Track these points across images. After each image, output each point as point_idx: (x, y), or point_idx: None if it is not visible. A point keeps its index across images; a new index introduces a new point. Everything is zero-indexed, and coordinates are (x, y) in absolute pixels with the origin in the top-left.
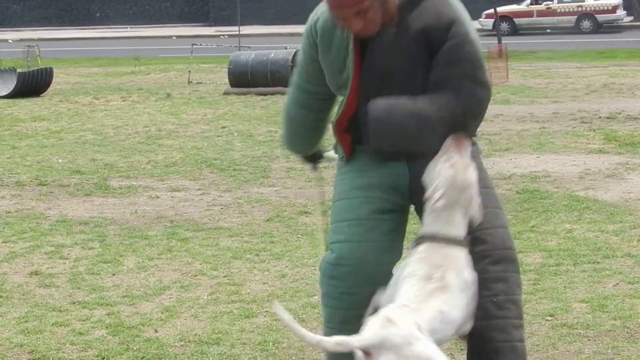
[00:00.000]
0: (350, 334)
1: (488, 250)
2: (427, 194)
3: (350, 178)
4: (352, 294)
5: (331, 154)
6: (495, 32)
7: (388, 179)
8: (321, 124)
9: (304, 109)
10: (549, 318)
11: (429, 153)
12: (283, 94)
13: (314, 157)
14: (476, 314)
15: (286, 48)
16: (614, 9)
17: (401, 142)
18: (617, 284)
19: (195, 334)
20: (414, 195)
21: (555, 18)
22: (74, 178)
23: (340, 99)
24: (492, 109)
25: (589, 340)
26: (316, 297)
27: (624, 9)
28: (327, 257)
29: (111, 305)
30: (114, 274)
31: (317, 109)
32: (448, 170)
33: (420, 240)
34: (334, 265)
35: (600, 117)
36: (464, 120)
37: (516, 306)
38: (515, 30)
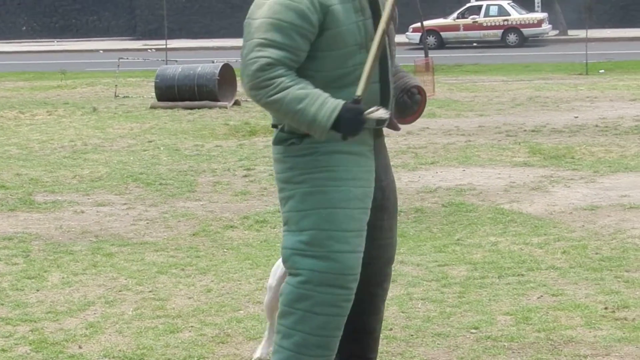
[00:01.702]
0: (337, 344)
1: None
2: None
3: (348, 174)
4: (350, 300)
5: (378, 113)
6: (422, 45)
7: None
8: None
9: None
10: (474, 331)
11: None
12: (210, 107)
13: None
14: (369, 309)
15: (213, 62)
16: (539, 23)
17: None
18: (541, 296)
19: (120, 350)
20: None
21: (482, 32)
22: None
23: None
24: (418, 122)
25: (513, 352)
26: (242, 311)
27: (549, 23)
28: (324, 266)
29: (35, 321)
30: (38, 290)
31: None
32: None
33: None
34: (339, 275)
35: (525, 131)
36: None
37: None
38: (442, 44)
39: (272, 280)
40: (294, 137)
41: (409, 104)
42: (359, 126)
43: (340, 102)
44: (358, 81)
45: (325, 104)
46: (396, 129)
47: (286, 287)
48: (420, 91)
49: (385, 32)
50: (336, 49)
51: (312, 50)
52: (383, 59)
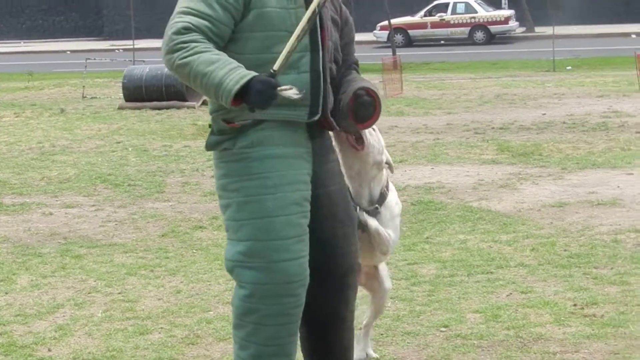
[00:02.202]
0: (294, 347)
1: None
2: (383, 158)
3: (283, 180)
4: (300, 305)
5: (290, 92)
6: (389, 43)
7: (308, 168)
8: None
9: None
10: (444, 329)
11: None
12: (178, 107)
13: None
14: (333, 318)
15: None
16: (506, 20)
17: None
18: (511, 293)
19: (89, 352)
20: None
21: (449, 29)
22: None
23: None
24: (386, 121)
25: (482, 350)
26: (211, 312)
27: (516, 20)
28: (265, 278)
29: (3, 325)
30: (6, 293)
31: None
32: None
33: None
34: (283, 285)
35: (493, 128)
36: None
37: None
38: (409, 42)
39: None
40: (224, 140)
41: (360, 109)
42: (269, 100)
43: (252, 72)
44: (287, 70)
45: (236, 70)
46: (332, 128)
47: (234, 299)
48: (369, 92)
49: (315, 15)
50: (260, 30)
51: (237, 31)
52: (314, 51)
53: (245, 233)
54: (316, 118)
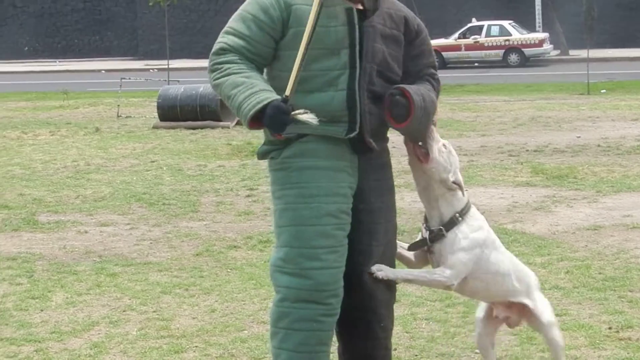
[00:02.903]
0: (326, 355)
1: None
2: (449, 177)
3: (320, 191)
4: (332, 315)
5: (305, 116)
6: None
7: (351, 182)
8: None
9: (254, 71)
10: (478, 351)
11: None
12: (212, 127)
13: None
14: (365, 335)
15: None
16: (540, 43)
17: (424, 129)
18: None
19: None
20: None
21: (483, 52)
22: (1, 213)
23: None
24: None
25: None
26: (246, 331)
27: (551, 43)
28: (297, 283)
29: (39, 342)
30: (42, 310)
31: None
32: (455, 155)
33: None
34: (313, 292)
35: (527, 150)
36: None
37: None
38: (443, 64)
39: (479, 312)
40: (272, 150)
41: (393, 108)
42: (283, 126)
43: (268, 98)
44: (326, 87)
45: (254, 96)
46: (371, 147)
47: (271, 307)
48: (405, 92)
49: (311, 35)
50: (298, 49)
51: (278, 49)
52: (352, 68)
53: (284, 239)
54: (353, 135)
